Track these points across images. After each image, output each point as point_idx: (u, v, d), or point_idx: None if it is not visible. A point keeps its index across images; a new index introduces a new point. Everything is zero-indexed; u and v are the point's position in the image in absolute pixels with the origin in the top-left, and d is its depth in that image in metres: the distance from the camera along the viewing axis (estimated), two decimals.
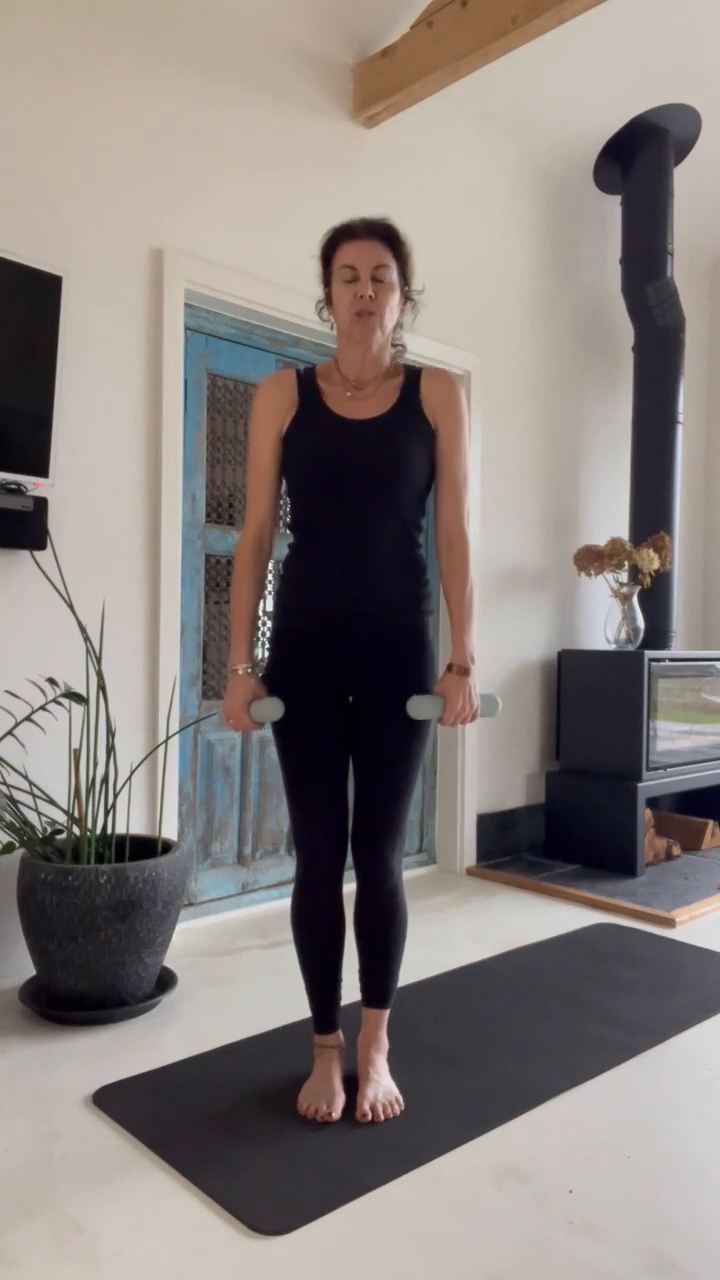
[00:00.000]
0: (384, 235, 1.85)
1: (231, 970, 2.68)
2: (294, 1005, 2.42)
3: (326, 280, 1.90)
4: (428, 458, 1.90)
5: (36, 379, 2.48)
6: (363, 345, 1.85)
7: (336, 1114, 1.86)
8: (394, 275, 1.85)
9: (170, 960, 2.73)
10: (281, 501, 2.01)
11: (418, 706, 1.82)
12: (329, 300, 1.91)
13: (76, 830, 2.41)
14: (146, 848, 2.59)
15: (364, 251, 1.82)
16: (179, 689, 3.03)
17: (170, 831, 2.92)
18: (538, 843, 4.14)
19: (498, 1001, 2.48)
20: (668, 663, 3.92)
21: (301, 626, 1.89)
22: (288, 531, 1.99)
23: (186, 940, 2.93)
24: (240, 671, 1.89)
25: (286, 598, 1.93)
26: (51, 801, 2.44)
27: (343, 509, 1.85)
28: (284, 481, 1.96)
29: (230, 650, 1.93)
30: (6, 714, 2.56)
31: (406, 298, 1.91)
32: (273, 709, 1.85)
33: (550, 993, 2.54)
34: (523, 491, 4.07)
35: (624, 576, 4.08)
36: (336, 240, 1.87)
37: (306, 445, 1.87)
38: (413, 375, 1.92)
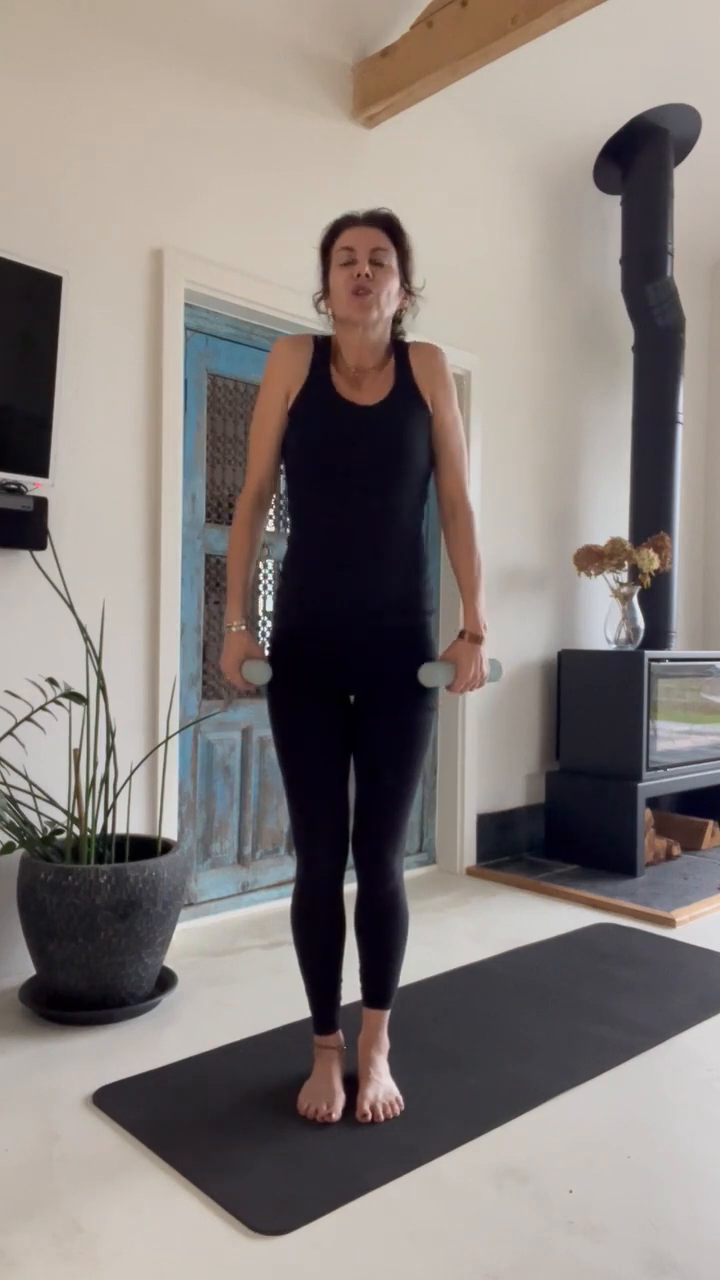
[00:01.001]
0: (384, 224, 1.84)
1: (231, 970, 2.68)
2: (294, 1005, 2.42)
3: (325, 271, 1.88)
4: (428, 440, 1.89)
5: (36, 379, 2.48)
6: (360, 327, 1.83)
7: (337, 1114, 1.86)
8: (393, 261, 1.83)
9: (170, 960, 2.73)
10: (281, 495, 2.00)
11: (430, 674, 1.83)
12: (327, 291, 1.89)
13: (76, 830, 2.41)
14: (146, 848, 2.59)
15: (363, 235, 1.82)
16: (179, 689, 3.03)
17: (170, 831, 2.92)
18: (538, 843, 4.14)
19: (498, 1001, 2.48)
20: (668, 663, 3.92)
21: (303, 626, 1.89)
22: (287, 530, 1.98)
23: (186, 940, 2.93)
24: (234, 629, 1.90)
25: (287, 598, 1.92)
26: (51, 801, 2.44)
27: (343, 499, 1.83)
28: (284, 454, 1.94)
29: (226, 607, 1.93)
30: (6, 714, 2.56)
31: (407, 291, 1.90)
32: (261, 672, 1.86)
33: (550, 993, 2.54)
34: (523, 491, 4.07)
35: (624, 576, 4.08)
36: (337, 229, 1.86)
37: (308, 426, 1.85)
38: (401, 354, 1.90)
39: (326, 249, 1.88)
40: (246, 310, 3.14)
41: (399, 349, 1.91)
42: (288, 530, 1.97)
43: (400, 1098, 1.92)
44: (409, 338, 1.97)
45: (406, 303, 1.92)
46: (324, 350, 1.90)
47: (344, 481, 1.83)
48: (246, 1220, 1.54)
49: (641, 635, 3.98)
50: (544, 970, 2.71)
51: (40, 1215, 1.56)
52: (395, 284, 1.85)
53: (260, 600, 3.33)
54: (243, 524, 1.94)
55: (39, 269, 2.46)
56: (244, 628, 1.90)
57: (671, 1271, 1.45)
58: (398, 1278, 1.43)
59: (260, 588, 3.33)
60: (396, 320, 1.93)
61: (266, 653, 1.94)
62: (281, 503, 3.35)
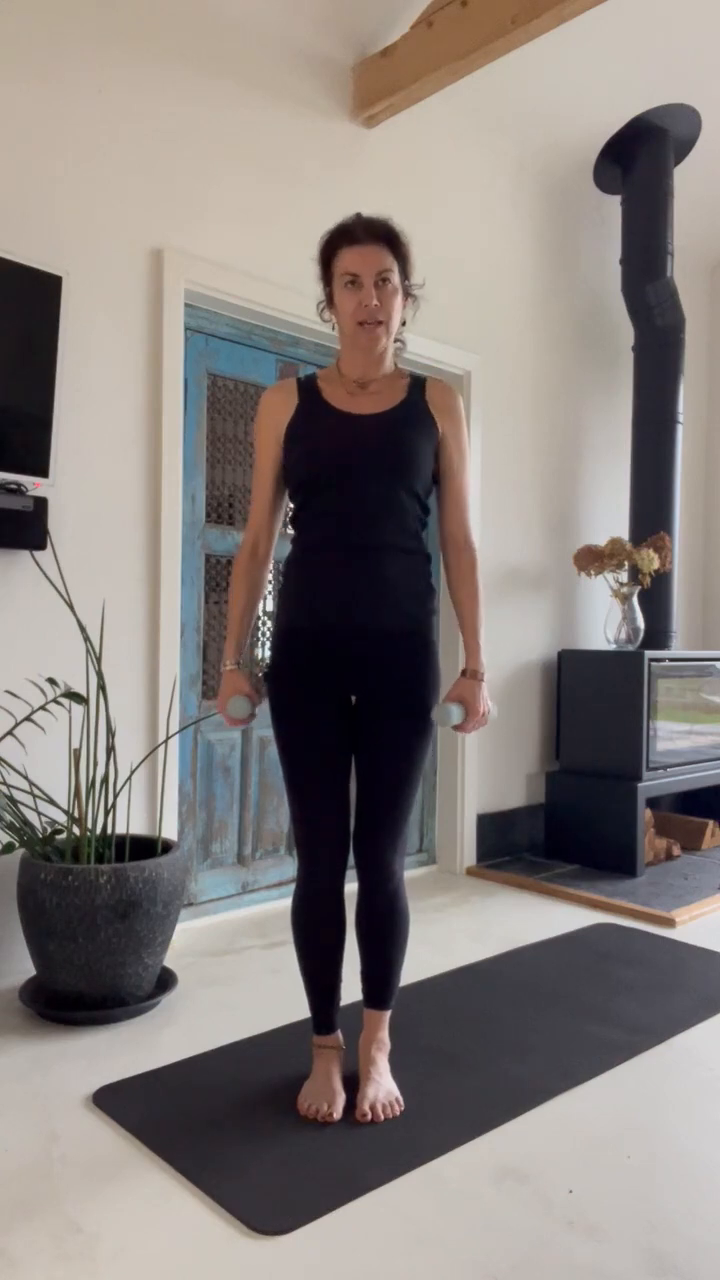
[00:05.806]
0: (384, 238, 1.83)
1: (231, 970, 2.68)
2: (294, 1005, 2.42)
3: (327, 280, 1.89)
4: (433, 455, 1.92)
5: (36, 379, 2.48)
6: (368, 351, 1.87)
7: (337, 1114, 1.86)
8: (397, 278, 1.84)
9: (170, 960, 2.73)
10: (286, 509, 2.03)
11: (443, 714, 1.87)
12: (330, 302, 1.90)
13: (76, 830, 2.41)
14: (146, 848, 2.59)
15: (365, 258, 1.80)
16: (179, 689, 3.03)
17: (170, 831, 2.92)
18: (538, 843, 4.14)
19: (498, 1001, 2.48)
20: (668, 663, 3.92)
21: (304, 627, 1.89)
22: (290, 530, 1.99)
23: (186, 940, 2.93)
24: (228, 668, 1.99)
25: (289, 598, 1.92)
26: (51, 801, 2.44)
27: (345, 504, 1.85)
28: (287, 483, 1.97)
29: (225, 649, 2.01)
30: (6, 714, 2.56)
31: (408, 294, 1.91)
32: (241, 707, 1.95)
33: (550, 993, 2.54)
34: (523, 491, 4.07)
35: (624, 576, 4.08)
36: (335, 244, 1.84)
37: (307, 440, 1.88)
38: (418, 380, 1.95)
39: (327, 261, 1.87)
40: (246, 310, 3.14)
41: (415, 378, 1.95)
42: (291, 530, 1.98)
43: (400, 1098, 1.92)
44: (409, 341, 1.99)
45: (407, 304, 1.93)
46: (309, 382, 1.95)
47: (344, 484, 1.85)
48: (246, 1220, 1.54)
49: (641, 635, 3.98)
50: (544, 970, 2.71)
51: (40, 1215, 1.56)
52: (400, 299, 1.87)
53: (263, 600, 3.33)
54: (241, 572, 2.01)
55: (39, 269, 2.46)
56: (235, 667, 1.98)
57: (671, 1272, 1.45)
58: (398, 1278, 1.43)
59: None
60: (400, 322, 1.94)
61: (267, 653, 1.97)
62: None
